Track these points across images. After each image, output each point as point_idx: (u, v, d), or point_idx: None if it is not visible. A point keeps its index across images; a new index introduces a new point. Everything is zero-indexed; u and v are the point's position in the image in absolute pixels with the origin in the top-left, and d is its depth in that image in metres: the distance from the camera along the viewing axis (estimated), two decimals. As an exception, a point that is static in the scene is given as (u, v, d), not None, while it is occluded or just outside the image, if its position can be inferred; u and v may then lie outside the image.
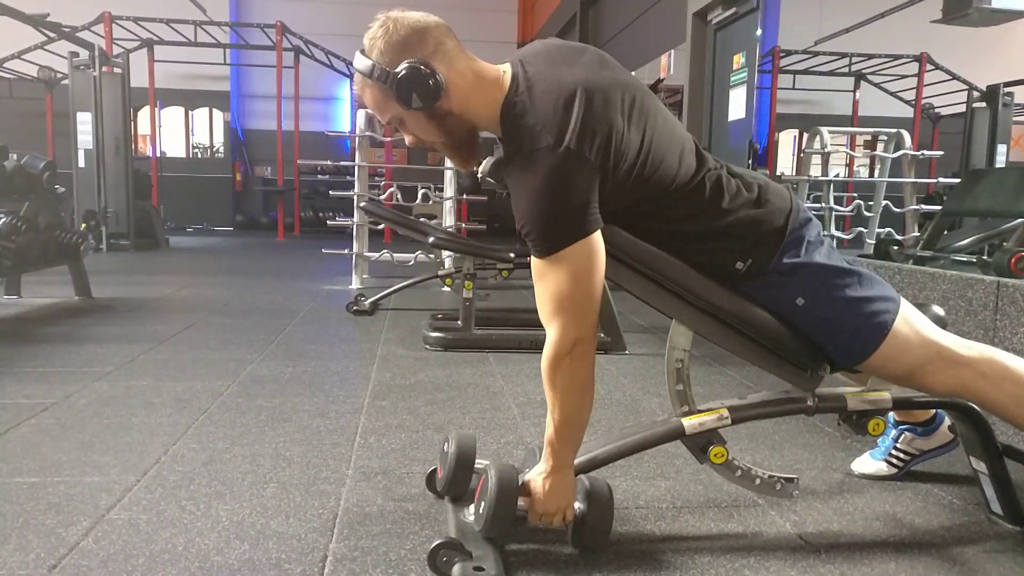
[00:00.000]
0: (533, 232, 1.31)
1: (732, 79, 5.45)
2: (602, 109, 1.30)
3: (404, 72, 1.29)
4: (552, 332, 1.35)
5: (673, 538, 1.58)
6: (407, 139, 1.43)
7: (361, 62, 1.32)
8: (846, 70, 10.83)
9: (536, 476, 1.43)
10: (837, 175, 9.25)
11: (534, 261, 1.35)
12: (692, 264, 1.42)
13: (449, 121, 1.37)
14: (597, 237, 1.32)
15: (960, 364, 1.48)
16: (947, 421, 1.91)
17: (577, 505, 1.45)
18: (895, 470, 1.95)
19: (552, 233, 1.30)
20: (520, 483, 1.42)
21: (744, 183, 1.46)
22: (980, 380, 1.48)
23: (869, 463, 1.98)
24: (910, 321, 1.48)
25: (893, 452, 1.95)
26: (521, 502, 1.42)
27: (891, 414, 1.91)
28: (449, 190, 6.09)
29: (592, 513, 1.44)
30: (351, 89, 13.57)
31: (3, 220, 3.91)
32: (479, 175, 1.48)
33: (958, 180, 4.89)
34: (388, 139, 7.31)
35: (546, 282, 1.33)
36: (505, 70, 1.39)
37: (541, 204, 1.29)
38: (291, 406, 2.47)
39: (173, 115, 13.66)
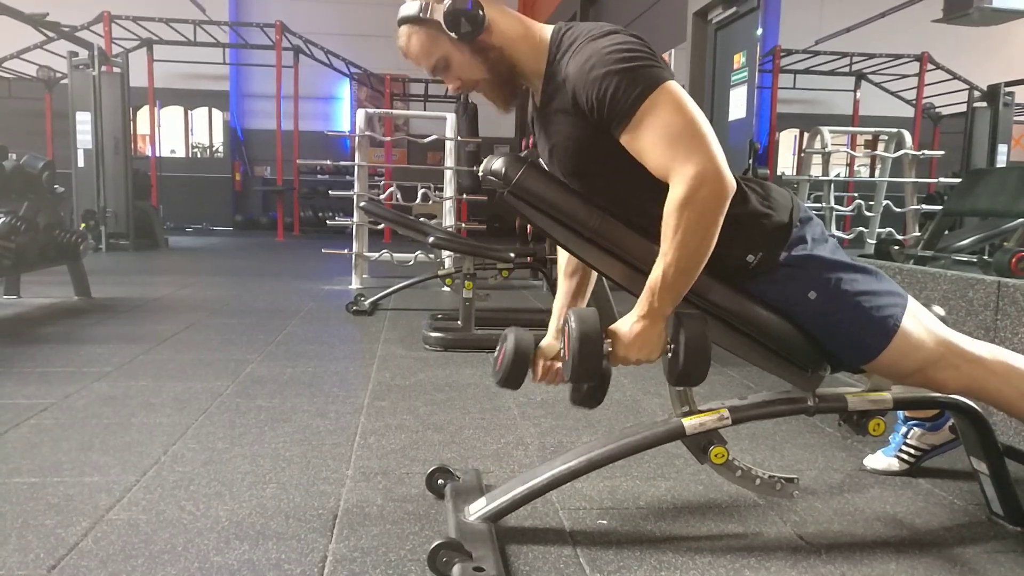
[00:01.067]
0: (614, 80, 1.28)
1: (733, 78, 5.46)
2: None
3: (452, 2, 1.38)
4: (675, 176, 1.28)
5: (673, 538, 1.58)
6: (450, 86, 1.49)
7: (408, 8, 1.41)
8: (847, 70, 10.81)
9: (626, 320, 1.37)
10: (838, 175, 9.24)
11: (625, 138, 1.32)
12: None
13: (493, 56, 1.42)
14: (677, 85, 1.32)
15: (971, 360, 1.48)
16: (950, 421, 1.90)
17: (669, 345, 1.37)
18: (906, 466, 1.95)
19: (634, 75, 1.28)
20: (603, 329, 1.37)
21: (746, 182, 1.48)
22: (991, 376, 1.48)
23: (880, 459, 1.99)
24: (919, 317, 1.48)
25: (903, 448, 1.96)
26: (606, 345, 1.37)
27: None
28: (449, 190, 6.08)
29: (688, 352, 1.32)
30: (351, 88, 13.59)
31: (2, 220, 3.91)
32: (479, 174, 1.48)
33: (959, 180, 4.89)
34: (388, 139, 7.32)
35: (647, 132, 1.30)
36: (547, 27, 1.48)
37: (613, 53, 1.30)
38: (291, 406, 2.47)
39: (172, 115, 13.66)
